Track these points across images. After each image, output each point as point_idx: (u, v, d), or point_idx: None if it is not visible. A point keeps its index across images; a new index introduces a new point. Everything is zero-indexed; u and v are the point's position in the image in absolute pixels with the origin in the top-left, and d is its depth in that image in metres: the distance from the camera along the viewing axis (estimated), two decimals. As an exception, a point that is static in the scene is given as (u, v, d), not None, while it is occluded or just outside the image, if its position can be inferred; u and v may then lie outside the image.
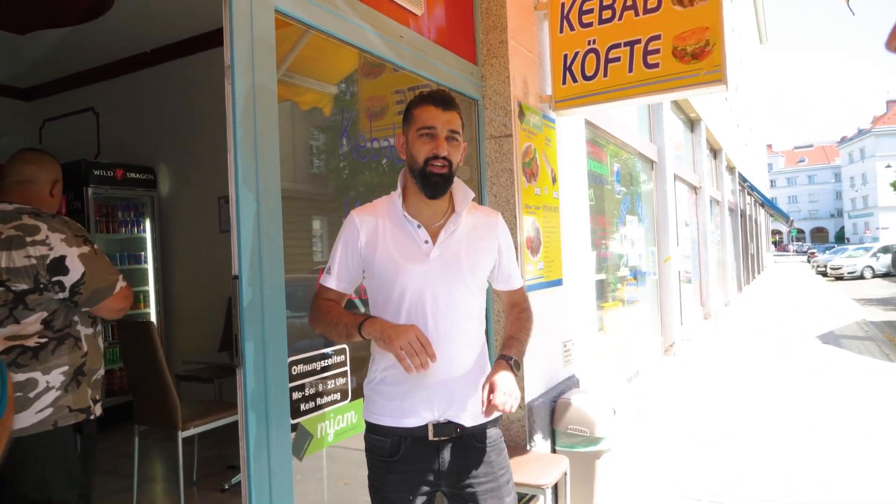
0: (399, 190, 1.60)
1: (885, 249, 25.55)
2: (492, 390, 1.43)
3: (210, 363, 4.39)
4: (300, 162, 2.85)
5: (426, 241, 1.54)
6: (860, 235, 62.23)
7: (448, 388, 1.51)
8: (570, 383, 3.45)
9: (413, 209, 1.58)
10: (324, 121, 2.85)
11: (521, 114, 3.23)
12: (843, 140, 72.81)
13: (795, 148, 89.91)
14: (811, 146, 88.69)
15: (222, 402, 3.88)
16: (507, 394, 1.42)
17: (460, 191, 1.62)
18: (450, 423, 1.51)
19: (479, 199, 3.15)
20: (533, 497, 2.78)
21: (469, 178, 3.17)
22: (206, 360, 4.44)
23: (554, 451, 3.10)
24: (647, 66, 3.25)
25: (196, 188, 5.37)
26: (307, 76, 2.68)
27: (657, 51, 3.22)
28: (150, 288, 5.53)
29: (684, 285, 8.11)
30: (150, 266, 5.53)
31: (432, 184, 1.52)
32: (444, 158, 1.51)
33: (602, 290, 4.99)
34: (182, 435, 3.20)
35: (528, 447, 2.92)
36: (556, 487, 3.06)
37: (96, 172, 5.17)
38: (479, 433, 1.55)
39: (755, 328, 10.48)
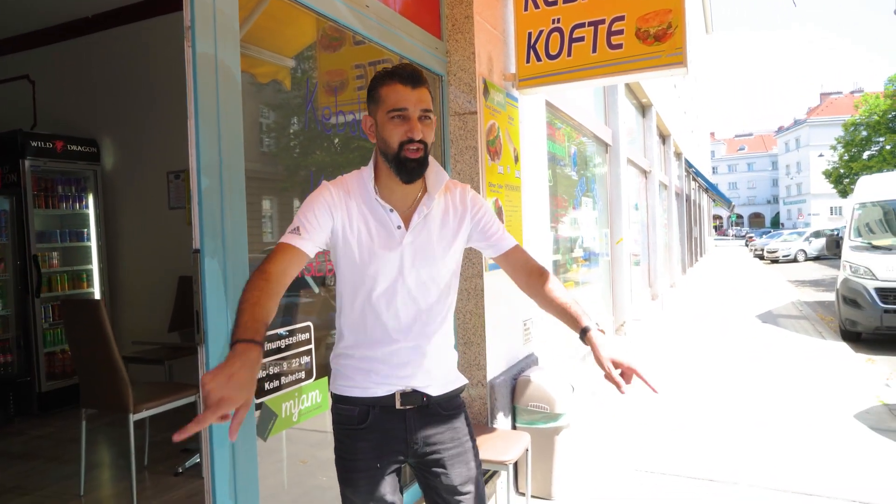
0: (371, 171, 1.51)
1: (817, 234, 26.94)
2: (630, 371, 1.39)
3: (161, 344, 4.23)
4: (256, 138, 2.74)
5: (399, 227, 1.49)
6: (794, 221, 65.37)
7: (415, 364, 1.52)
8: (530, 361, 3.49)
9: (385, 191, 1.51)
10: (284, 95, 2.75)
11: (486, 91, 3.20)
12: (781, 130, 76.02)
13: (736, 136, 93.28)
14: (751, 135, 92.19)
15: (174, 383, 3.76)
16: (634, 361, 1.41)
17: (433, 172, 1.55)
18: (416, 391, 1.52)
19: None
20: (495, 473, 2.82)
21: (432, 154, 3.13)
22: (155, 341, 4.28)
23: (514, 427, 3.14)
24: (611, 46, 3.27)
25: (143, 162, 5.13)
26: (265, 48, 2.58)
27: (621, 31, 3.24)
28: (94, 266, 5.28)
29: (633, 267, 8.32)
30: (93, 243, 5.27)
31: (408, 170, 1.44)
32: (420, 142, 1.42)
33: (557, 271, 5.05)
34: (134, 418, 3.08)
35: (491, 424, 2.95)
36: (516, 464, 3.10)
37: (34, 144, 4.87)
38: (444, 402, 1.57)
39: (699, 308, 10.88)
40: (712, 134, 71.40)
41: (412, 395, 1.52)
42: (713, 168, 68.30)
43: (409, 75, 1.45)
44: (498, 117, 3.33)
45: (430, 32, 3.06)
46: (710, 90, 32.98)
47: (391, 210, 1.49)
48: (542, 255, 4.04)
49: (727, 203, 28.25)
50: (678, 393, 5.24)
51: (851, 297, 7.67)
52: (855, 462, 3.60)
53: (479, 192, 3.06)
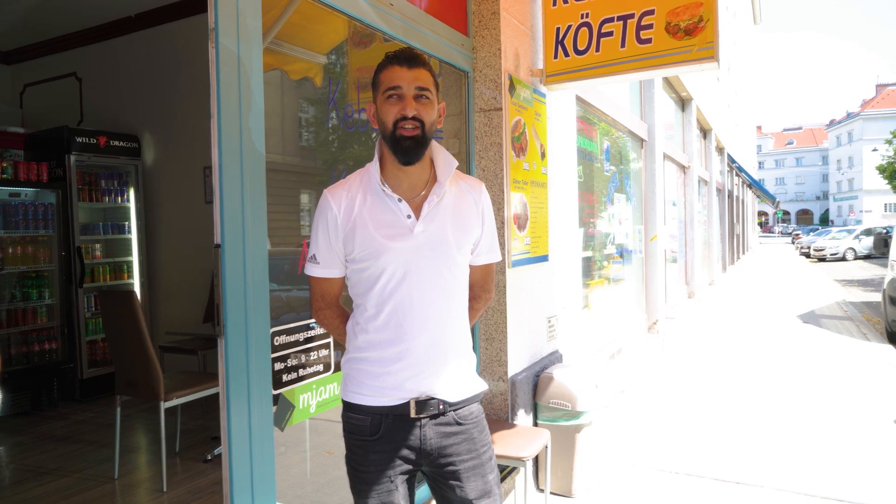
0: (376, 161, 1.49)
1: (868, 232, 25.85)
2: None
3: (195, 334, 4.37)
4: (288, 133, 2.80)
5: (409, 216, 1.45)
6: (844, 218, 62.89)
7: (431, 366, 1.46)
8: (554, 358, 3.48)
9: (392, 181, 1.48)
10: (312, 92, 2.80)
11: (512, 87, 3.19)
12: (832, 123, 73.10)
13: (785, 130, 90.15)
14: (800, 128, 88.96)
15: (206, 373, 3.88)
16: None
17: (442, 158, 1.53)
18: (432, 399, 1.46)
19: (468, 173, 3.12)
20: (514, 469, 2.82)
21: (458, 151, 3.14)
22: (190, 332, 4.42)
23: (535, 424, 3.14)
24: (640, 41, 3.21)
25: (181, 158, 5.29)
26: (296, 45, 2.63)
27: (650, 26, 3.18)
28: (135, 258, 5.47)
29: (670, 264, 8.17)
30: (133, 236, 5.46)
31: (403, 148, 1.42)
32: (414, 119, 1.40)
33: (588, 268, 5.00)
34: (164, 405, 3.19)
35: (511, 420, 2.95)
36: (536, 460, 3.10)
37: (79, 139, 5.07)
38: (461, 409, 1.51)
39: (738, 307, 10.60)
40: (759, 128, 69.31)
41: (428, 403, 1.45)
42: (759, 163, 66.35)
43: (406, 56, 1.45)
44: (524, 113, 3.32)
45: (456, 29, 3.06)
46: (757, 82, 31.96)
47: (399, 200, 1.46)
48: (572, 252, 4.01)
49: (772, 199, 27.39)
50: (708, 394, 5.13)
51: (899, 298, 7.36)
52: (892, 469, 3.47)
53: (504, 189, 3.06)
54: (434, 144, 1.55)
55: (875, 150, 45.18)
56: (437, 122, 1.50)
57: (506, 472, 2.78)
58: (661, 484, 3.34)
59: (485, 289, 1.68)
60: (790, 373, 5.85)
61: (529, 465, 2.56)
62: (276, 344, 1.90)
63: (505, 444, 2.56)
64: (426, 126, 1.43)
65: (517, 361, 3.10)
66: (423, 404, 1.45)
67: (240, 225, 1.73)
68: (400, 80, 1.42)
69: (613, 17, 3.29)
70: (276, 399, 1.90)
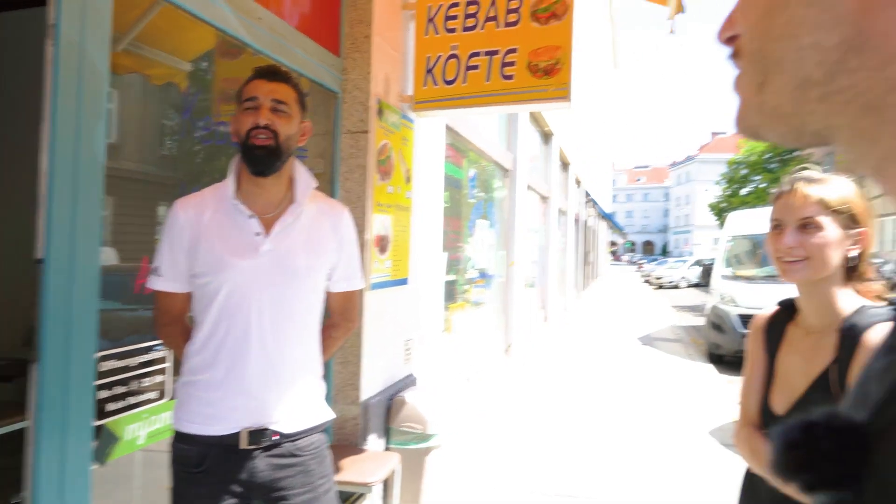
0: (231, 176, 1.45)
1: (698, 262, 29.12)
2: None
3: (10, 358, 3.86)
4: (145, 140, 2.61)
5: (257, 233, 1.41)
6: (680, 249, 70.26)
7: (268, 395, 1.39)
8: (409, 382, 3.52)
9: (247, 197, 1.43)
10: (174, 99, 2.64)
11: (381, 111, 3.22)
12: (674, 164, 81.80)
13: (636, 167, 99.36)
14: (648, 167, 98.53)
15: (18, 403, 3.44)
16: None
17: (302, 178, 1.50)
18: (266, 429, 1.39)
19: (331, 195, 3.09)
20: (361, 496, 2.80)
21: (322, 171, 3.11)
22: (5, 356, 3.90)
23: (387, 448, 3.14)
24: (504, 77, 3.39)
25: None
26: (160, 49, 2.47)
27: (513, 63, 3.37)
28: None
29: (528, 289, 8.62)
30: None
31: (255, 157, 1.39)
32: (267, 128, 1.38)
33: (450, 291, 5.14)
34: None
35: (362, 445, 2.93)
36: (386, 485, 3.10)
37: None
38: (299, 440, 1.45)
39: (588, 330, 11.42)
40: (613, 164, 75.68)
41: (261, 434, 1.38)
42: (614, 196, 72.21)
43: (268, 71, 1.45)
44: (391, 137, 3.36)
45: (327, 49, 3.04)
46: (614, 122, 34.92)
47: (251, 216, 1.41)
48: (434, 276, 4.10)
49: (621, 231, 29.95)
50: (556, 413, 5.45)
51: (717, 323, 8.35)
52: (702, 474, 3.91)
53: (367, 211, 3.07)
54: (296, 163, 1.52)
55: (707, 189, 51.09)
56: (297, 139, 1.48)
57: (352, 499, 2.75)
58: (507, 502, 3.49)
59: (346, 317, 1.66)
60: (628, 391, 6.39)
61: (377, 490, 2.56)
62: (103, 370, 1.74)
63: (352, 470, 2.54)
64: (280, 137, 1.41)
65: (372, 385, 3.09)
66: (256, 435, 1.38)
67: (67, 238, 1.57)
68: (257, 91, 1.42)
69: (480, 52, 3.45)
70: (99, 431, 1.73)
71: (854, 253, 1.17)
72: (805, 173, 1.22)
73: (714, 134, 76.08)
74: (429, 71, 3.53)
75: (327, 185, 3.07)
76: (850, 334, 1.12)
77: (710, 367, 7.88)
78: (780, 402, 1.24)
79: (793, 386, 1.22)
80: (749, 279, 8.66)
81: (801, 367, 1.22)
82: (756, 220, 9.63)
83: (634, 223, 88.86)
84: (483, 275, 6.39)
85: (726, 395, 6.33)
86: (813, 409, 1.09)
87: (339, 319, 1.66)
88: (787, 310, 1.31)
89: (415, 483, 3.07)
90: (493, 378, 6.07)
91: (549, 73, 3.35)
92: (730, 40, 0.40)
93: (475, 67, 3.47)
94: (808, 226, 1.18)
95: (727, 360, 8.36)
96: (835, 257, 1.16)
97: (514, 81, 3.39)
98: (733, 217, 10.11)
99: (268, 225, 1.43)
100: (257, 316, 1.40)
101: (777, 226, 1.23)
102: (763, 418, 1.26)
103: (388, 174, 3.33)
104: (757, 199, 29.49)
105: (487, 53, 3.45)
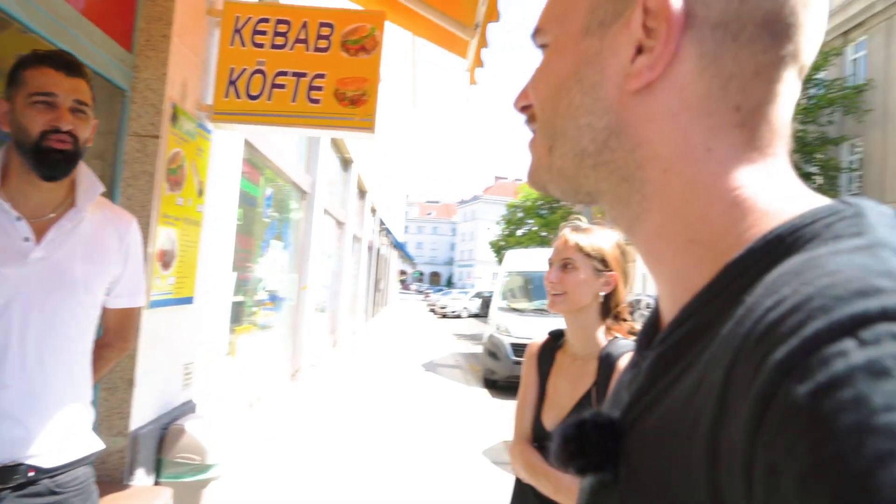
0: None
1: (478, 294, 31.51)
2: None
3: None
4: None
5: (26, 239, 1.25)
6: (464, 281, 75.35)
7: (26, 423, 1.22)
8: (187, 408, 3.26)
9: (16, 196, 1.26)
10: None
11: (175, 117, 3.01)
12: (462, 202, 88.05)
13: (428, 202, 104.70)
14: (439, 202, 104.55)
15: None
16: None
17: (86, 181, 1.37)
18: (21, 465, 1.21)
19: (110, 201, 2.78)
20: (124, 537, 2.51)
21: (101, 174, 2.77)
22: None
23: (157, 482, 2.86)
24: (311, 100, 3.40)
25: None
26: None
27: (321, 88, 3.40)
28: None
29: (319, 314, 8.53)
30: None
31: (51, 162, 1.25)
32: (69, 133, 1.25)
33: (238, 313, 4.89)
34: None
35: (127, 481, 2.63)
36: (154, 523, 2.81)
37: None
38: (60, 476, 1.28)
39: (375, 356, 11.60)
40: (407, 196, 78.89)
41: (12, 471, 1.19)
42: (405, 227, 75.13)
43: (66, 62, 1.29)
44: (185, 146, 3.15)
45: (117, 42, 2.77)
46: (411, 157, 36.50)
47: (18, 218, 1.24)
48: (221, 296, 3.87)
49: (411, 260, 31.19)
50: (339, 437, 5.43)
51: (493, 351, 9.12)
52: (475, 490, 4.21)
53: (150, 222, 2.82)
54: (80, 164, 1.38)
55: (489, 228, 55.76)
56: (89, 140, 1.35)
57: (113, 541, 2.45)
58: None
59: (121, 336, 1.52)
60: (409, 414, 6.62)
61: (143, 529, 2.31)
62: None
63: (116, 508, 2.27)
64: (80, 141, 1.29)
65: (143, 414, 2.81)
66: (6, 472, 1.19)
67: None
68: (56, 88, 1.25)
69: (288, 72, 3.42)
70: None
71: (605, 292, 1.42)
72: (575, 223, 1.45)
73: (497, 178, 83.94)
74: (232, 82, 3.39)
75: (106, 190, 2.76)
76: (606, 361, 1.35)
77: (485, 392, 8.52)
78: (550, 420, 1.43)
79: (561, 405, 1.42)
80: (521, 311, 9.63)
81: (567, 389, 1.42)
82: (529, 259, 10.78)
83: (424, 254, 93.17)
84: (273, 297, 6.19)
85: (498, 417, 6.91)
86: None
87: (114, 339, 1.52)
88: (557, 338, 1.53)
89: (187, 519, 2.83)
90: (279, 403, 5.86)
91: (355, 103, 3.44)
92: (524, 108, 0.50)
93: (282, 87, 3.42)
94: (566, 266, 1.41)
95: (500, 385, 9.14)
96: (587, 294, 1.40)
97: (320, 106, 3.42)
98: (510, 255, 11.18)
99: (40, 230, 1.28)
100: (19, 331, 1.23)
101: (550, 264, 1.45)
102: (535, 434, 1.45)
103: (179, 185, 3.11)
104: (530, 240, 32.95)
105: (295, 74, 3.44)
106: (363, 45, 3.40)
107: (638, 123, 0.41)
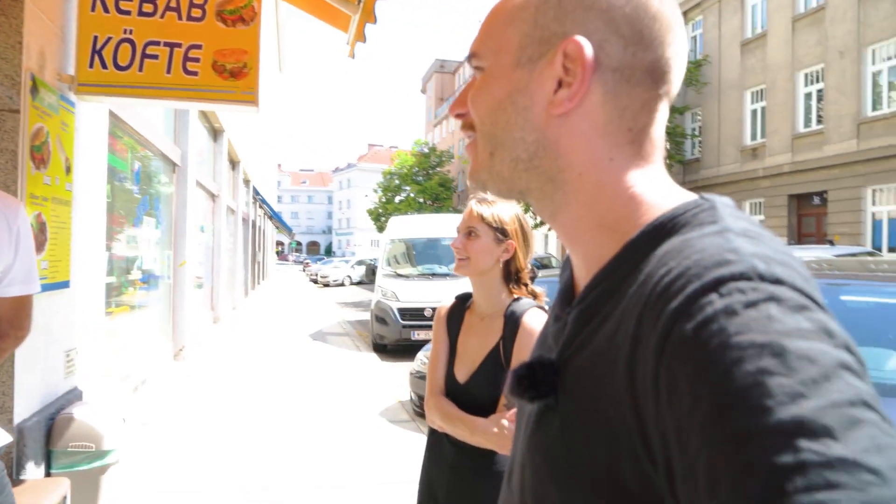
0: None
1: (360, 262, 31.44)
2: None
3: None
4: None
5: None
6: (343, 250, 74.42)
7: None
8: (73, 396, 3.12)
9: None
10: None
11: (35, 89, 2.79)
12: (337, 169, 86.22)
13: (301, 170, 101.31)
14: (313, 171, 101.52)
15: None
16: None
17: None
18: None
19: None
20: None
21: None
22: None
23: (49, 474, 2.75)
24: (187, 72, 3.28)
25: None
26: None
27: (197, 59, 3.28)
28: None
29: (196, 290, 8.19)
30: None
31: None
32: None
33: (112, 294, 4.63)
34: None
35: (17, 476, 2.52)
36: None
37: None
38: None
39: (259, 329, 11.35)
40: (279, 165, 75.78)
41: None
42: (279, 197, 72.36)
43: None
44: (49, 121, 2.94)
45: (-43, 3, 2.51)
46: (281, 124, 35.01)
47: None
48: (96, 277, 3.67)
49: (288, 231, 30.32)
50: (229, 414, 5.37)
51: (381, 316, 9.29)
52: (377, 450, 4.41)
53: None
54: None
55: (366, 196, 55.28)
56: None
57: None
58: (189, 510, 3.37)
59: (15, 325, 1.50)
60: (302, 384, 6.65)
61: (43, 521, 2.25)
62: None
63: None
64: None
65: (27, 405, 2.67)
66: None
67: None
68: None
69: (160, 42, 3.27)
70: None
71: (505, 258, 1.61)
72: (480, 195, 1.62)
73: (371, 146, 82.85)
74: (97, 52, 3.18)
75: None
76: (511, 318, 1.55)
77: (375, 357, 8.71)
78: (462, 373, 1.62)
79: (472, 359, 1.61)
80: (407, 277, 9.85)
81: (477, 344, 1.61)
82: (413, 226, 10.97)
83: (300, 224, 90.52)
84: (148, 276, 5.89)
85: (391, 379, 7.13)
86: (487, 376, 1.50)
87: (8, 328, 1.50)
88: (464, 301, 1.71)
89: (88, 506, 2.76)
90: (164, 384, 5.66)
91: (235, 76, 3.36)
92: (459, 115, 0.65)
93: (154, 57, 3.26)
94: (470, 234, 1.59)
95: (390, 349, 9.36)
96: (488, 259, 1.59)
97: (198, 78, 3.30)
98: (393, 222, 11.30)
99: None
100: None
101: (458, 231, 1.62)
102: (448, 386, 1.63)
103: (45, 162, 2.91)
104: (408, 206, 33.15)
105: (168, 45, 3.29)
106: (241, 15, 3.31)
107: (559, 139, 0.57)
